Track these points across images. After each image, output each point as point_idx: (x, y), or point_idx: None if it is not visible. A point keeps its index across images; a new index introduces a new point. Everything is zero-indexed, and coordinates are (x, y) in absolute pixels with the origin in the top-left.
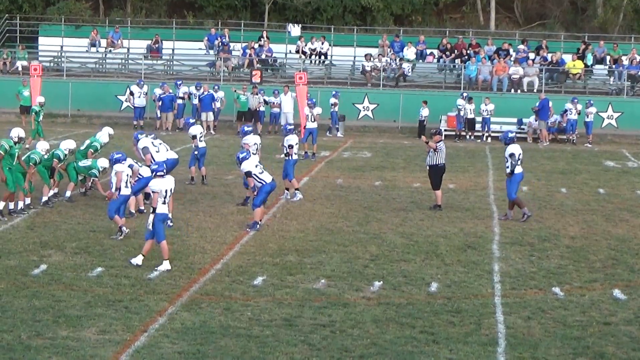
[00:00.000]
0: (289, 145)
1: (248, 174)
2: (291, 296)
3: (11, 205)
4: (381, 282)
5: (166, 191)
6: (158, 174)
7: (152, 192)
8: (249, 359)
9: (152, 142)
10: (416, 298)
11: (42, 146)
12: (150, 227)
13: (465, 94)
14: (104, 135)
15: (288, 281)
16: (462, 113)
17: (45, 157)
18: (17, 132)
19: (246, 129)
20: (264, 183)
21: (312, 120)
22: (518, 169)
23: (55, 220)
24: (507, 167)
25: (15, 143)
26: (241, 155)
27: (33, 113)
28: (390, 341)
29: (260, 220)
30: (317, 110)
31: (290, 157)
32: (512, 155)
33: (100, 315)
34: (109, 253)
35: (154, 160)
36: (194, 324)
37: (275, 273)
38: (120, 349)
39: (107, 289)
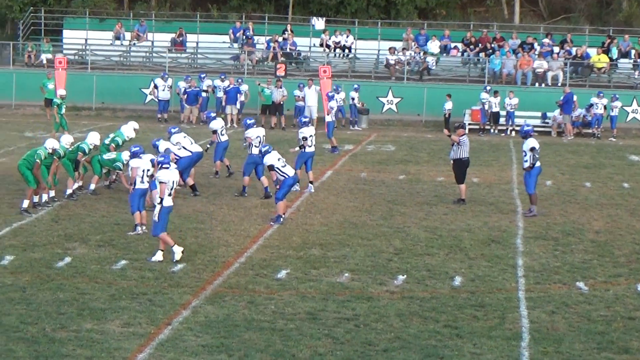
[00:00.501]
0: (302, 137)
1: (271, 167)
2: (315, 290)
3: (35, 199)
4: (405, 276)
5: (173, 182)
6: (164, 165)
7: (160, 183)
8: (273, 352)
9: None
10: (440, 292)
11: (66, 139)
12: (157, 218)
13: (489, 88)
14: (129, 129)
15: (312, 275)
16: (486, 107)
17: (70, 150)
18: (52, 144)
19: (248, 122)
20: (287, 177)
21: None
22: (537, 164)
23: (79, 213)
24: (526, 160)
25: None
26: (264, 149)
27: (55, 106)
28: (413, 335)
29: (284, 214)
30: (332, 103)
31: (304, 149)
32: (533, 149)
33: (124, 308)
34: (133, 246)
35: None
36: (217, 317)
37: (299, 266)
38: (144, 342)
39: (131, 281)
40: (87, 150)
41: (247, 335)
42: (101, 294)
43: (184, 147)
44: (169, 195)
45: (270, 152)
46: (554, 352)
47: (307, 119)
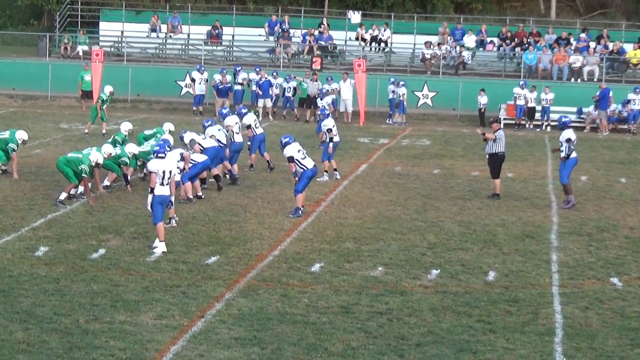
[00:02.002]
0: (327, 130)
1: (290, 159)
2: (348, 283)
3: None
4: (439, 270)
5: (164, 172)
6: (159, 155)
7: (150, 172)
8: (306, 345)
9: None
10: (473, 287)
11: (125, 127)
12: (149, 207)
13: (522, 82)
14: (166, 127)
15: (345, 268)
16: (520, 102)
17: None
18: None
19: (224, 111)
20: (305, 169)
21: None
22: (573, 154)
23: (114, 205)
24: (562, 151)
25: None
26: (284, 140)
27: (100, 101)
28: (447, 330)
29: (302, 207)
30: (327, 99)
31: (330, 140)
32: (569, 140)
33: (157, 300)
34: (167, 238)
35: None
36: (250, 310)
37: (332, 260)
38: (177, 334)
39: (164, 274)
40: (127, 160)
41: (280, 329)
42: (135, 286)
43: (218, 140)
44: (163, 184)
45: (290, 143)
46: (587, 348)
47: (328, 111)
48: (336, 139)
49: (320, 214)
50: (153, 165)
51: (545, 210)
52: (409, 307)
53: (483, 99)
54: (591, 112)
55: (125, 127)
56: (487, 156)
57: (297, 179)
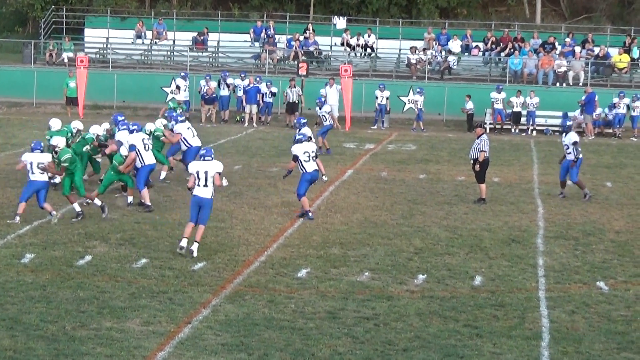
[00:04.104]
0: (294, 157)
1: (294, 157)
2: (335, 289)
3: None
4: (425, 275)
5: (205, 172)
6: (205, 158)
7: (190, 173)
8: (293, 351)
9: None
10: (460, 292)
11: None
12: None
13: (500, 87)
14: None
15: (332, 274)
16: (496, 106)
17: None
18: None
19: (179, 118)
20: (304, 171)
21: (325, 120)
22: (580, 156)
23: (99, 212)
24: (569, 153)
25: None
26: (298, 137)
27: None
28: (433, 334)
29: (310, 209)
30: (327, 108)
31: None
32: (575, 142)
33: (144, 306)
34: (154, 244)
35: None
36: (237, 316)
37: (319, 266)
38: (164, 341)
39: (151, 280)
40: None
41: (267, 334)
42: (121, 293)
43: (184, 139)
44: (199, 185)
45: (302, 141)
46: (573, 352)
47: (305, 120)
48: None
49: (306, 219)
50: (193, 167)
51: (532, 214)
52: (396, 312)
53: (469, 105)
54: (577, 116)
55: (95, 129)
56: (472, 161)
57: (286, 175)
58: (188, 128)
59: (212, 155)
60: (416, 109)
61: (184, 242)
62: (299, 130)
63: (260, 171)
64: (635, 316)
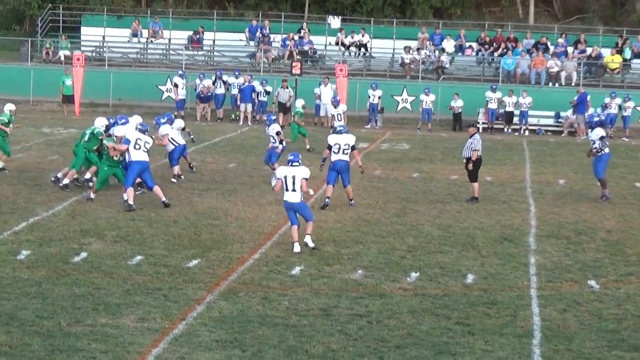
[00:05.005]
0: (276, 132)
1: (329, 147)
2: (328, 286)
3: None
4: (418, 273)
5: (292, 177)
6: (293, 163)
7: (277, 179)
8: (286, 348)
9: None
10: (452, 289)
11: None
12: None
13: (494, 87)
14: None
15: (325, 271)
16: (490, 105)
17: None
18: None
19: (162, 120)
20: (331, 161)
21: (340, 119)
22: (606, 150)
23: (95, 208)
24: (595, 148)
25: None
26: (338, 128)
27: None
28: (426, 332)
29: (328, 197)
30: (343, 107)
31: (281, 143)
32: (602, 137)
33: (139, 303)
34: (149, 242)
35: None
36: (231, 312)
37: (312, 263)
38: (158, 337)
39: (146, 277)
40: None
41: (261, 331)
42: (116, 289)
43: (172, 139)
44: (287, 190)
45: (342, 133)
46: (565, 349)
47: (275, 117)
48: (284, 143)
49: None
50: (280, 171)
51: (524, 213)
52: (389, 310)
53: (458, 102)
54: (569, 116)
55: (100, 122)
56: (464, 160)
57: (322, 164)
58: (172, 128)
59: (300, 161)
60: (420, 109)
61: (297, 247)
62: (268, 127)
63: (255, 169)
64: (626, 314)
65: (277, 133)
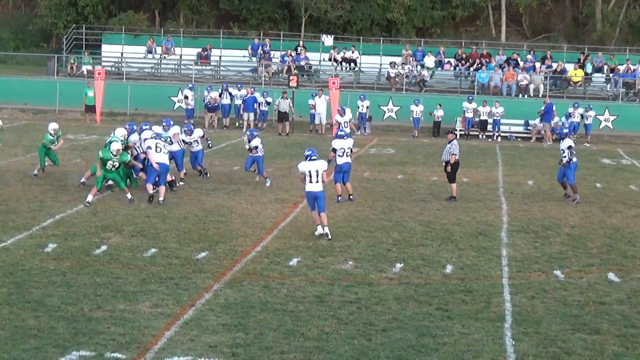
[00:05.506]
0: (254, 147)
1: (333, 150)
2: (322, 276)
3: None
4: (402, 264)
5: (315, 172)
6: (311, 158)
7: (301, 172)
8: (285, 331)
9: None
10: (433, 279)
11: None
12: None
13: (471, 98)
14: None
15: (320, 262)
16: (467, 114)
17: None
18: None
19: (144, 127)
20: (336, 164)
21: (345, 126)
22: (574, 159)
23: (114, 206)
24: (564, 157)
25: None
26: (339, 133)
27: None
28: (409, 317)
29: (339, 195)
30: (349, 116)
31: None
32: (570, 147)
33: (153, 291)
34: (162, 236)
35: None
36: (236, 299)
37: (308, 255)
38: (170, 321)
39: (159, 267)
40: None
41: (262, 316)
42: (133, 279)
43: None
44: (311, 182)
45: (343, 138)
46: (533, 332)
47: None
48: (261, 152)
49: (297, 214)
50: (302, 166)
51: (497, 210)
52: (376, 297)
53: (439, 112)
54: (537, 124)
55: (120, 132)
56: (444, 163)
57: (329, 162)
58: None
59: (317, 155)
60: (412, 118)
61: (320, 229)
62: (250, 141)
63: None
64: (587, 301)
65: (256, 147)
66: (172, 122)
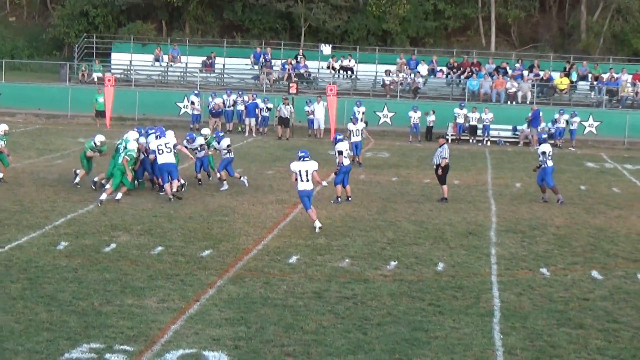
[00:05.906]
0: (338, 152)
1: (340, 152)
2: (320, 273)
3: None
4: (396, 262)
5: (305, 171)
6: (305, 158)
7: (292, 171)
8: (284, 325)
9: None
10: (425, 276)
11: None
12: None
13: (462, 104)
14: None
15: (318, 260)
16: (458, 120)
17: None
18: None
19: (150, 131)
20: (342, 165)
21: (357, 134)
22: (549, 163)
23: (123, 206)
24: (542, 161)
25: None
26: (339, 137)
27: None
28: (403, 312)
29: (339, 197)
30: (362, 124)
31: (342, 164)
32: (544, 152)
33: (160, 286)
34: (168, 235)
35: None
36: (238, 295)
37: (307, 253)
38: (176, 315)
39: (166, 264)
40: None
41: (263, 311)
42: (141, 275)
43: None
44: (303, 180)
45: (343, 141)
46: (520, 327)
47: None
48: (232, 154)
49: (296, 214)
50: (294, 166)
51: (486, 211)
52: (371, 293)
53: (431, 117)
54: (524, 129)
55: (132, 135)
56: (435, 166)
57: (338, 167)
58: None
59: (309, 156)
60: (411, 124)
61: (318, 223)
62: (220, 142)
63: (259, 174)
64: (572, 297)
65: (228, 145)
66: (194, 135)
